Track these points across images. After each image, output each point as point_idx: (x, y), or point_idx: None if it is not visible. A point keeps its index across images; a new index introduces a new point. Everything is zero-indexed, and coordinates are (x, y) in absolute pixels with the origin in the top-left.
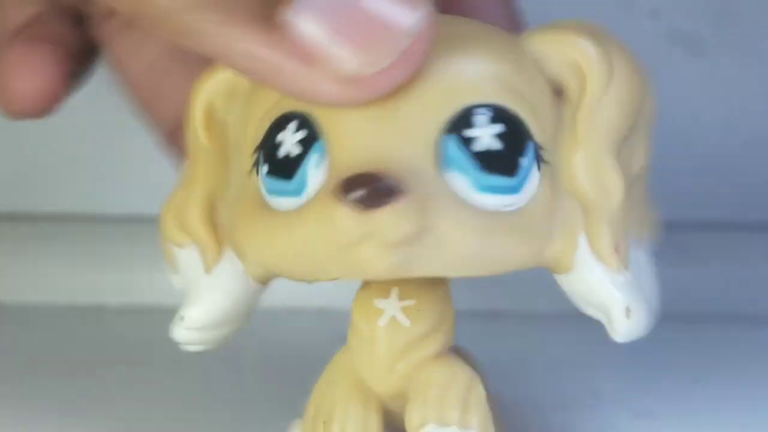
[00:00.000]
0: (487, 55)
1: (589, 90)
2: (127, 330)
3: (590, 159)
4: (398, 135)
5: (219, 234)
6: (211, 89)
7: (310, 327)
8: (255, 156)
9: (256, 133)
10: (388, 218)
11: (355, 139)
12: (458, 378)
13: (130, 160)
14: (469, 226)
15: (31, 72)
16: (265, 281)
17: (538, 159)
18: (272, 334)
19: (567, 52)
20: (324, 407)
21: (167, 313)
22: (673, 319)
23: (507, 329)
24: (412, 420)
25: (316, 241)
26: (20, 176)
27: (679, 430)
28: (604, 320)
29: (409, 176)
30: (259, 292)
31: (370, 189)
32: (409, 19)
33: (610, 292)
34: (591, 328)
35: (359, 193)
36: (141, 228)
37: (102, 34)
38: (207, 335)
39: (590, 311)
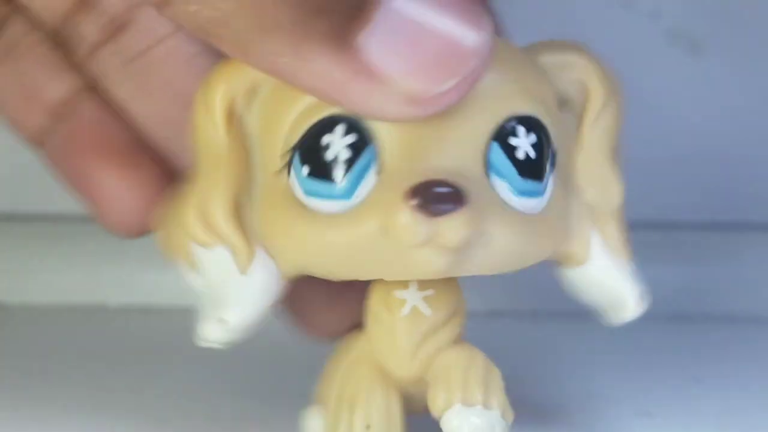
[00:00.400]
0: (517, 68)
1: (593, 105)
2: (127, 330)
3: (593, 164)
4: (450, 142)
5: (247, 233)
6: (232, 85)
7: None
8: (288, 156)
9: (288, 134)
10: (451, 225)
11: (408, 145)
12: (477, 361)
13: None
14: (511, 229)
15: (138, 192)
16: (292, 278)
17: (553, 163)
18: (272, 333)
19: (575, 72)
20: (346, 393)
21: (168, 313)
22: (673, 319)
23: (506, 329)
24: (437, 402)
25: (376, 243)
26: (20, 176)
27: (678, 430)
28: (604, 307)
29: (468, 184)
30: (284, 289)
31: (438, 196)
32: (474, 40)
33: (627, 282)
34: (591, 328)
35: (427, 199)
36: None
37: (93, 68)
38: (242, 335)
39: (593, 300)
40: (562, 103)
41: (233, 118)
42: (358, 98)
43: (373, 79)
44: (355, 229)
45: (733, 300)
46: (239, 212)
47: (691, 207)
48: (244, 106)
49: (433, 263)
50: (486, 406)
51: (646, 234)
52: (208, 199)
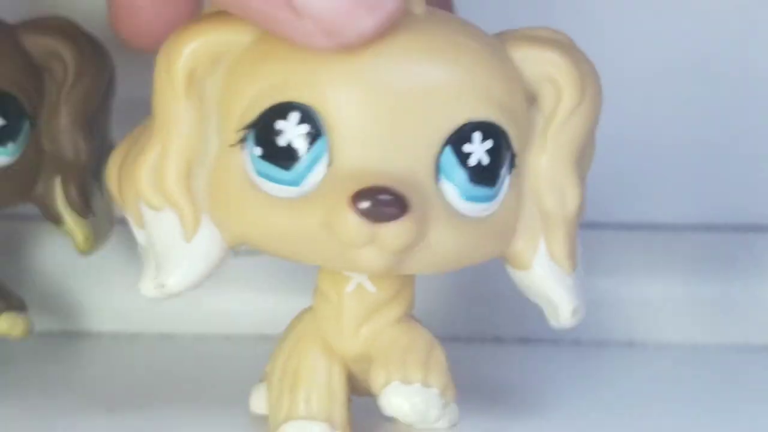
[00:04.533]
0: (480, 69)
1: (563, 106)
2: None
3: (553, 169)
4: (403, 143)
5: (196, 200)
6: (195, 53)
7: None
8: (243, 134)
9: (245, 111)
10: (393, 231)
11: (360, 142)
12: (418, 339)
13: None
14: (454, 233)
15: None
16: (237, 247)
17: (511, 166)
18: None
19: (547, 68)
20: (290, 369)
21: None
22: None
23: (508, 353)
24: (377, 379)
25: (321, 237)
26: None
27: (678, 430)
28: (547, 309)
29: (412, 190)
30: (228, 255)
31: (381, 203)
32: None
33: (562, 294)
34: (588, 348)
35: (371, 205)
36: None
37: None
38: (179, 295)
39: (536, 300)
40: (531, 99)
41: (194, 83)
42: (287, 29)
43: (302, 17)
44: (299, 218)
45: (730, 300)
46: (190, 178)
47: (689, 207)
48: (206, 72)
49: (375, 262)
50: (425, 384)
51: (650, 235)
52: (161, 161)
